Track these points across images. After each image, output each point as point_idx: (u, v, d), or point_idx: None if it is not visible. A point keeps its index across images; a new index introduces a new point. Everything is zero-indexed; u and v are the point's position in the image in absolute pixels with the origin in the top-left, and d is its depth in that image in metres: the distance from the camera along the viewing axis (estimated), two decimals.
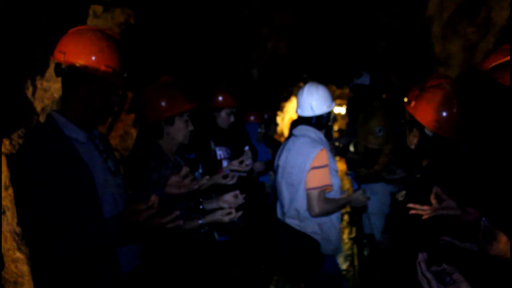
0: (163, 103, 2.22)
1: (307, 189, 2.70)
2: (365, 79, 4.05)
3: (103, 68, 1.61)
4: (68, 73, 1.61)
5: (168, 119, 2.23)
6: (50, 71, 2.02)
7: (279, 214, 2.98)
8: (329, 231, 2.79)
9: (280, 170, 2.91)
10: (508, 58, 1.28)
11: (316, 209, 2.68)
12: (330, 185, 2.73)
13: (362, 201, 2.68)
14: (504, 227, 1.51)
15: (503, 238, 1.48)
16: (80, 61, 1.59)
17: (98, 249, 1.59)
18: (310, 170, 2.69)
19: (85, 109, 1.65)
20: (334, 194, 2.78)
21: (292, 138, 2.92)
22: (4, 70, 1.71)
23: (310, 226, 2.77)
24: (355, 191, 2.75)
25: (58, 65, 1.62)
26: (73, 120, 1.64)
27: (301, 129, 2.88)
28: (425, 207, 1.60)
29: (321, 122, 2.86)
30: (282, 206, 2.92)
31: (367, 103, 4.03)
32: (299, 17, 6.23)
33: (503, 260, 1.47)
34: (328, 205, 2.70)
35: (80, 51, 1.59)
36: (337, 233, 2.85)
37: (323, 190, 2.70)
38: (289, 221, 2.83)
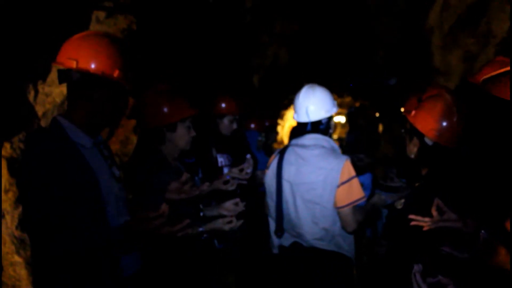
0: (165, 109, 2.22)
1: (340, 207, 2.39)
2: (393, 82, 3.94)
3: (117, 72, 1.61)
4: (79, 79, 1.60)
5: (170, 125, 2.24)
6: (52, 75, 2.02)
7: (286, 237, 2.57)
8: (352, 243, 2.54)
9: (287, 186, 2.51)
10: (501, 70, 1.29)
11: (354, 225, 2.40)
12: (363, 197, 2.42)
13: (383, 203, 2.48)
14: (503, 239, 1.52)
15: (502, 250, 1.48)
16: (94, 67, 1.58)
17: (99, 250, 1.58)
18: (339, 186, 2.38)
19: (96, 113, 1.65)
20: None
21: (298, 149, 2.52)
22: (6, 74, 1.71)
23: (345, 244, 2.48)
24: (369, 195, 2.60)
25: (62, 72, 1.62)
26: (79, 125, 1.65)
27: (311, 138, 2.51)
28: (426, 219, 1.60)
29: (318, 129, 2.52)
30: (293, 227, 2.50)
31: (392, 111, 3.85)
32: (299, 25, 6.26)
33: (502, 271, 1.47)
34: (360, 216, 2.42)
35: (94, 57, 1.59)
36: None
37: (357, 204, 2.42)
38: (313, 243, 2.46)
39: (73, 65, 1.58)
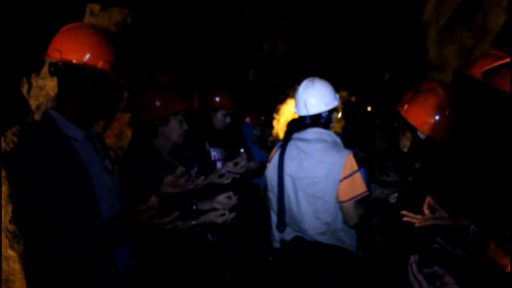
0: (157, 103, 2.22)
1: (342, 202, 2.36)
2: (387, 77, 3.91)
3: (101, 63, 1.61)
4: (65, 70, 1.61)
5: (162, 118, 2.23)
6: (46, 69, 2.02)
7: (287, 231, 2.55)
8: (354, 238, 2.52)
9: (288, 180, 2.49)
10: (501, 61, 1.29)
11: (357, 219, 2.38)
12: (366, 191, 2.39)
13: (385, 197, 2.37)
14: (493, 233, 1.53)
15: (491, 244, 1.50)
16: (77, 58, 1.58)
17: (96, 247, 1.58)
18: (342, 181, 2.35)
19: (84, 106, 1.65)
20: None
21: (300, 143, 2.50)
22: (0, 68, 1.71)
23: (347, 238, 2.46)
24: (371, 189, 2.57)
25: (52, 65, 1.62)
26: (71, 118, 1.64)
27: (313, 132, 2.47)
28: (418, 216, 1.61)
29: (319, 122, 2.48)
30: (295, 221, 2.49)
31: (387, 105, 3.84)
32: (296, 20, 6.26)
33: (492, 265, 1.48)
34: (362, 210, 2.39)
35: (77, 48, 1.59)
36: None
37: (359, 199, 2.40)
38: (315, 237, 2.44)
39: (58, 56, 1.58)
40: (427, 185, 1.87)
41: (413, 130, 1.98)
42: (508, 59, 1.48)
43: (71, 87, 1.63)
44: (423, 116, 1.94)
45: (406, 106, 1.99)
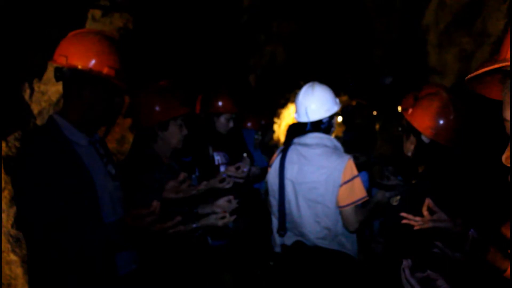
0: (156, 108, 2.22)
1: (342, 207, 2.37)
2: (388, 81, 3.91)
3: (106, 69, 1.62)
4: (70, 76, 1.62)
5: (161, 123, 2.24)
6: (48, 74, 2.03)
7: (288, 236, 2.55)
8: (355, 242, 2.52)
9: (289, 184, 2.49)
10: (485, 69, 1.28)
11: (356, 224, 2.38)
12: (365, 196, 2.39)
13: (387, 201, 2.40)
14: (492, 237, 1.53)
15: (491, 248, 1.50)
16: (83, 64, 1.60)
17: (98, 250, 1.59)
18: (342, 186, 2.36)
19: (88, 111, 1.66)
20: None
21: (300, 148, 2.49)
22: (1, 72, 1.72)
23: (348, 243, 2.46)
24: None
25: (58, 69, 1.63)
26: (75, 123, 1.65)
27: (314, 137, 2.48)
28: (417, 218, 1.62)
29: (320, 128, 2.49)
30: (296, 226, 2.49)
31: (388, 108, 3.83)
32: (296, 24, 6.27)
33: (491, 269, 1.48)
34: (363, 215, 2.39)
35: (82, 54, 1.60)
36: None
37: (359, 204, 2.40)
38: (316, 242, 2.45)
39: (63, 61, 1.59)
40: (430, 189, 1.87)
41: (417, 134, 1.99)
42: (494, 66, 1.47)
43: (76, 93, 1.64)
44: (427, 120, 1.94)
45: (410, 110, 1.99)
